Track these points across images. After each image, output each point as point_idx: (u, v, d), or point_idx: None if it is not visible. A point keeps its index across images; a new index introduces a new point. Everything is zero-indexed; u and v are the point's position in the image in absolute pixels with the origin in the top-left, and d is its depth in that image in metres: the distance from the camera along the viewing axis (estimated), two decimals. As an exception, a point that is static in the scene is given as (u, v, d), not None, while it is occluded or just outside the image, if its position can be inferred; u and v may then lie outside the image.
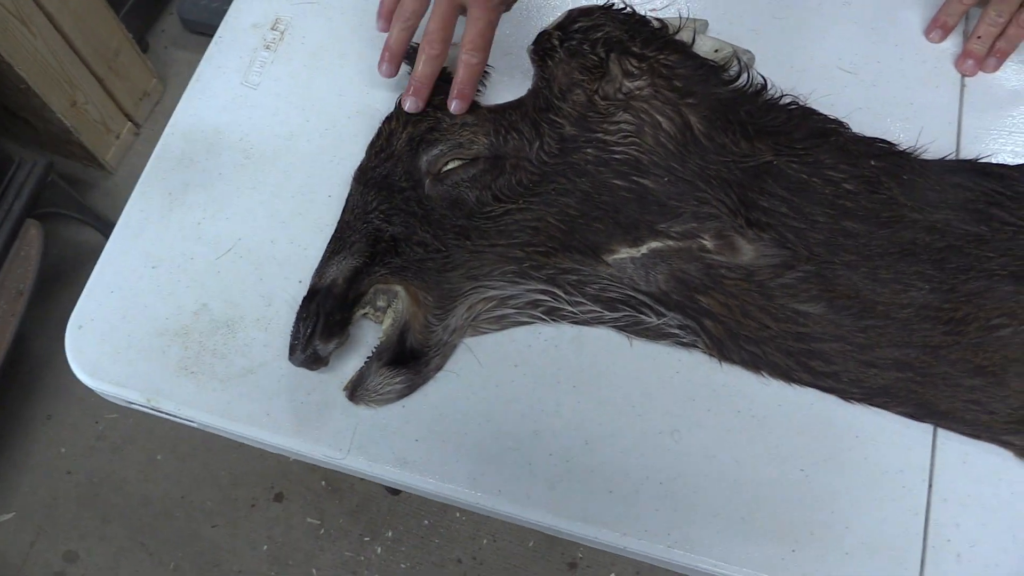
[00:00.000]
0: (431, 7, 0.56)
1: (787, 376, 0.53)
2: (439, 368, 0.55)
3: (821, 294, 0.54)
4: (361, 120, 0.62)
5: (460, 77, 0.57)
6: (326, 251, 0.57)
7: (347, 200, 0.58)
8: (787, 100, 0.60)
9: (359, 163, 0.60)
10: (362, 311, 0.55)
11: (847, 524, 0.50)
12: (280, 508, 1.24)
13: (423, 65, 0.56)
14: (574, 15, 0.59)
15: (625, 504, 0.51)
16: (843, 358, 0.53)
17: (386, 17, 0.60)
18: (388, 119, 0.61)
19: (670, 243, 0.56)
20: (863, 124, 0.59)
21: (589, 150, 0.57)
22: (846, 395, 0.53)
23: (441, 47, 0.56)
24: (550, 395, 0.53)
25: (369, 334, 0.56)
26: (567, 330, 0.55)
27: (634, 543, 0.50)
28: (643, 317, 0.54)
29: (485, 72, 0.62)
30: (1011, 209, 0.57)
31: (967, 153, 0.58)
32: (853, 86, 0.61)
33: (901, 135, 0.58)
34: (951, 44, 0.63)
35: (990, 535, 0.50)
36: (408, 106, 0.58)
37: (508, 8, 0.59)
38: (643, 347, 0.54)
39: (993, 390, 0.52)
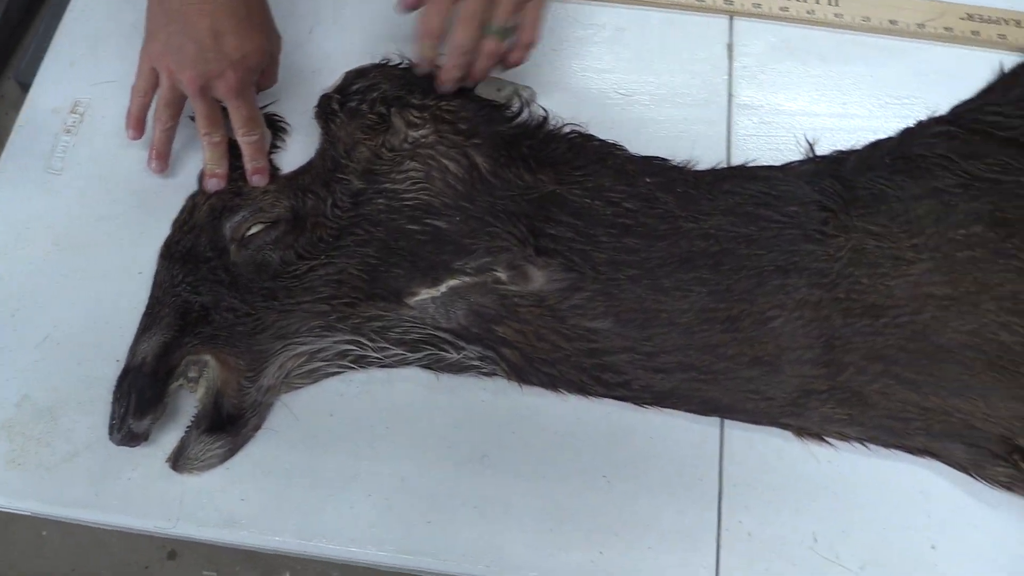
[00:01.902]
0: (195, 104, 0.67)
1: (583, 391, 0.64)
2: (257, 428, 0.64)
3: (608, 310, 0.65)
4: (169, 194, 0.72)
5: (247, 155, 0.67)
6: (138, 329, 0.66)
7: (155, 276, 0.68)
8: (567, 130, 0.71)
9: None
10: (177, 383, 0.64)
11: (648, 522, 0.61)
12: (174, 566, 1.32)
13: (208, 152, 0.66)
14: (351, 77, 0.70)
15: (443, 532, 0.61)
16: (632, 367, 0.64)
17: (135, 126, 0.71)
18: (192, 195, 0.71)
19: (467, 279, 0.66)
20: (640, 144, 0.70)
21: (380, 200, 0.68)
22: (638, 401, 0.64)
23: (217, 134, 0.66)
24: (365, 439, 0.63)
25: (190, 404, 0.65)
26: (377, 374, 0.65)
27: (454, 567, 0.60)
28: (444, 354, 0.65)
29: (283, 129, 0.72)
30: (776, 207, 0.69)
31: (736, 160, 0.70)
32: (630, 109, 0.73)
33: (676, 151, 0.70)
34: (720, 67, 0.75)
35: (777, 511, 0.61)
36: (210, 186, 0.68)
37: (267, 79, 0.70)
38: (449, 380, 0.65)
39: (769, 378, 0.64)
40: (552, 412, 0.65)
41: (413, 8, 0.66)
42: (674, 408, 0.65)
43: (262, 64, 0.68)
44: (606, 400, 0.65)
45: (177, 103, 0.68)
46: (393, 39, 0.72)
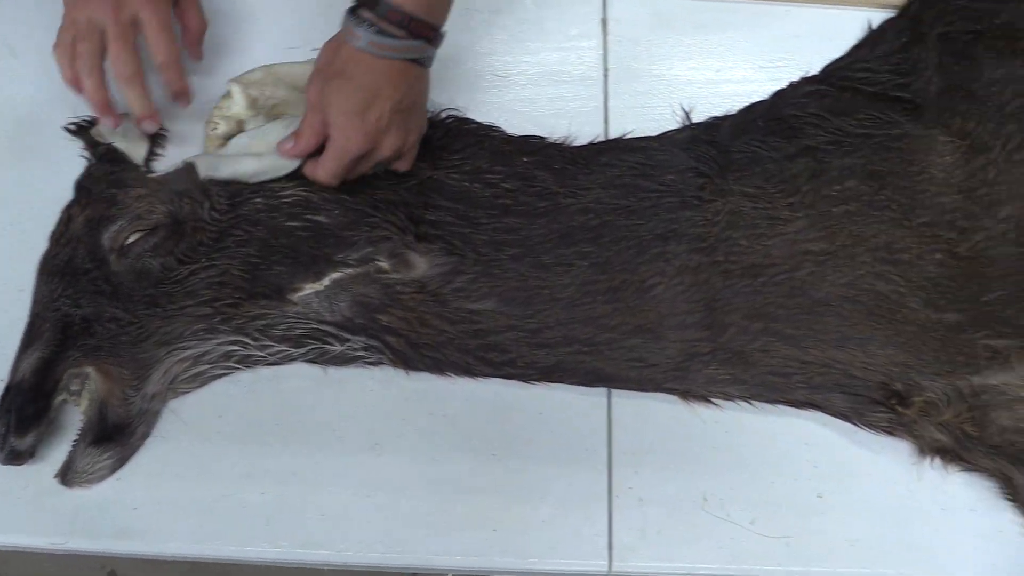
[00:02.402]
0: (109, 41, 0.66)
1: (469, 372, 0.66)
2: (146, 436, 0.65)
3: (491, 290, 0.67)
4: (43, 208, 0.72)
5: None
6: (19, 346, 0.66)
7: (34, 292, 0.68)
8: (444, 115, 0.73)
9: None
10: (60, 398, 0.65)
11: (541, 495, 0.63)
12: (115, 585, 1.32)
13: (130, 96, 0.68)
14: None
15: (337, 523, 0.63)
16: (517, 345, 0.66)
17: (72, 81, 0.70)
18: (68, 206, 0.71)
19: (349, 271, 0.68)
20: (518, 124, 0.72)
21: (258, 199, 0.69)
22: (525, 378, 0.66)
23: (134, 67, 0.67)
24: (255, 437, 0.65)
25: (77, 417, 0.66)
26: (263, 372, 0.67)
27: (351, 557, 0.62)
28: (328, 347, 0.66)
29: (163, 136, 0.73)
30: (653, 176, 0.71)
31: (614, 134, 0.73)
32: (507, 90, 0.74)
33: (554, 129, 0.72)
34: (595, 43, 0.77)
35: (666, 474, 0.64)
36: (148, 128, 0.71)
37: (190, 18, 0.72)
38: (336, 373, 0.66)
39: (653, 345, 0.67)
40: (440, 395, 0.66)
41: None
42: (560, 382, 0.67)
43: None
44: (493, 379, 0.67)
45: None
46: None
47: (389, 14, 0.61)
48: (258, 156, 0.69)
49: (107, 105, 0.69)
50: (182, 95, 0.71)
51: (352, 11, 0.62)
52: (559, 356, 0.67)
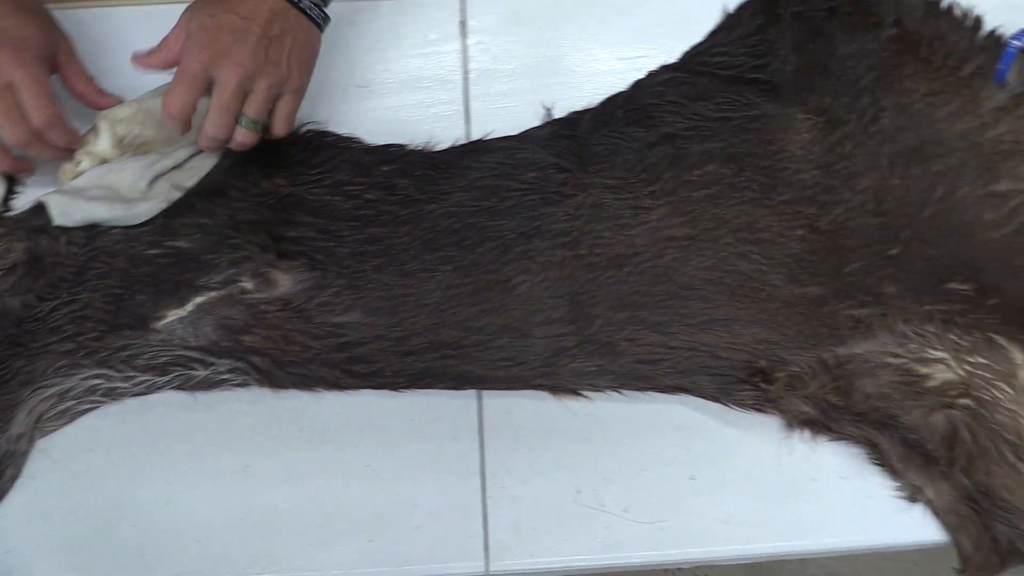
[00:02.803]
0: None
1: (338, 386, 0.66)
2: (15, 478, 0.65)
3: (355, 302, 0.67)
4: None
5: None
6: None
7: None
8: (304, 130, 0.73)
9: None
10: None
11: (415, 502, 0.64)
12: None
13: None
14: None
15: (212, 549, 0.63)
16: (384, 355, 0.66)
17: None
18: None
19: (213, 294, 0.68)
20: (380, 134, 0.72)
21: (115, 230, 0.69)
22: (394, 386, 0.66)
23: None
24: (123, 470, 0.65)
25: (-56, 465, 0.65)
26: (131, 403, 0.66)
27: (228, 581, 0.61)
28: (193, 372, 0.66)
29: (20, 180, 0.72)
30: (515, 175, 0.72)
31: (476, 136, 0.73)
32: (368, 100, 0.74)
33: (416, 135, 0.72)
34: (454, 46, 0.77)
35: (539, 470, 0.64)
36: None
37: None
38: (205, 398, 0.66)
39: (520, 344, 0.67)
40: (310, 412, 0.66)
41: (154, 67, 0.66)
42: (429, 388, 0.67)
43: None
44: (362, 391, 0.67)
45: None
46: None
47: None
48: (111, 203, 0.68)
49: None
50: (65, 154, 0.70)
51: None
52: (427, 362, 0.68)
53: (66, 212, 0.67)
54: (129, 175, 0.69)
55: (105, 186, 0.68)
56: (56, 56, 0.67)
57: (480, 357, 0.68)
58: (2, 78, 0.63)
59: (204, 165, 0.70)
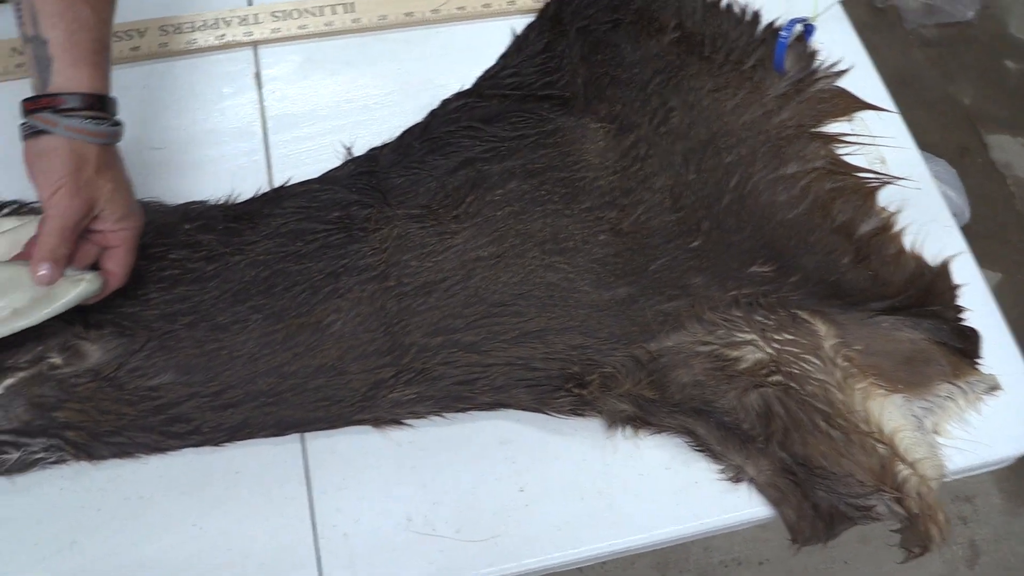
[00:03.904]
0: None
1: (158, 448, 0.64)
2: None
3: (167, 363, 0.65)
4: None
5: None
6: None
7: None
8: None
9: None
10: None
11: (246, 554, 0.62)
12: None
13: None
14: None
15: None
16: (200, 411, 0.65)
17: None
18: None
19: (22, 374, 0.65)
20: (182, 193, 0.71)
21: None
22: (215, 442, 0.65)
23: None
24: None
25: None
26: (-55, 498, 0.62)
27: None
28: (4, 456, 0.63)
29: None
30: (319, 217, 0.71)
31: (280, 183, 0.71)
32: (167, 160, 0.73)
33: (218, 190, 0.70)
34: (250, 96, 0.76)
35: (368, 504, 0.64)
36: None
37: None
38: (24, 480, 0.63)
39: (337, 381, 0.66)
40: (133, 478, 0.64)
41: None
42: (251, 438, 0.65)
43: None
44: (184, 451, 0.64)
45: None
46: None
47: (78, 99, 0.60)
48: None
49: None
50: None
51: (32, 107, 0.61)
52: (245, 413, 0.66)
53: None
54: None
55: None
56: None
57: (297, 401, 0.66)
58: None
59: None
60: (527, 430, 0.67)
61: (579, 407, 0.68)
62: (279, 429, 0.67)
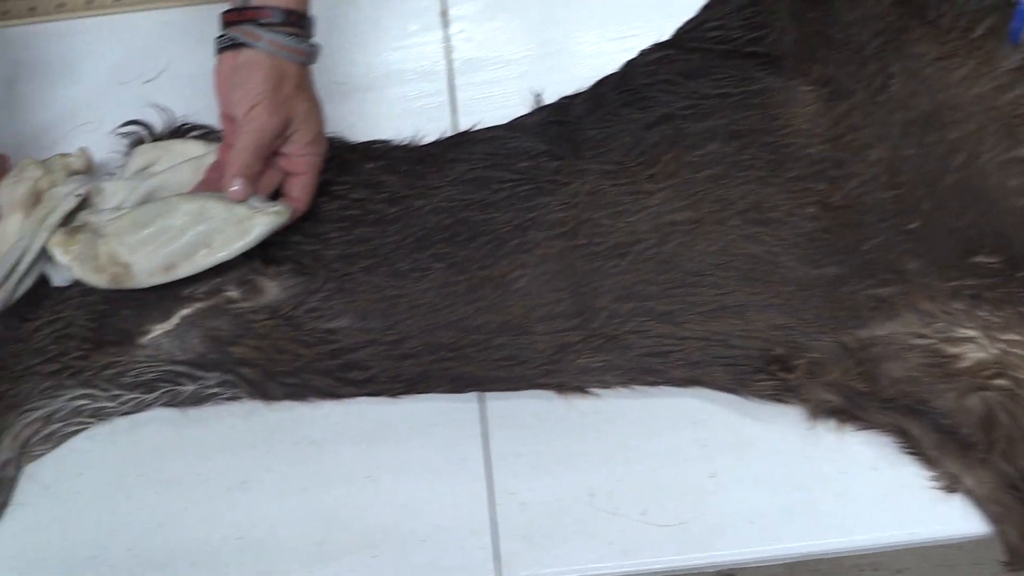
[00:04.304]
0: None
1: (332, 394, 0.60)
2: (4, 506, 0.59)
3: (346, 307, 0.61)
4: None
5: None
6: None
7: None
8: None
9: None
10: (-93, 477, 0.58)
11: (420, 513, 0.57)
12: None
13: None
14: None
15: (210, 570, 0.56)
16: (378, 359, 0.60)
17: None
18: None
19: (198, 305, 0.61)
20: (363, 131, 0.66)
21: (96, 244, 0.62)
22: (391, 393, 0.60)
23: None
24: (119, 493, 0.59)
25: (-69, 496, 0.59)
26: (120, 423, 0.60)
27: (225, 605, 0.55)
28: (181, 388, 0.60)
29: None
30: (506, 166, 0.65)
31: (464, 128, 0.66)
32: (348, 97, 0.68)
33: (400, 130, 0.66)
34: (436, 36, 0.70)
35: (548, 473, 0.58)
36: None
37: None
38: (197, 413, 0.59)
39: (520, 341, 0.60)
40: (306, 423, 0.60)
41: None
42: (428, 392, 0.60)
43: None
44: (358, 399, 0.60)
45: None
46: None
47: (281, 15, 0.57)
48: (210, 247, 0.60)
49: None
50: None
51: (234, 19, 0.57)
52: (424, 365, 0.61)
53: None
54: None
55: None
56: None
57: (479, 358, 0.61)
58: None
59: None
60: (721, 411, 0.60)
61: (781, 393, 0.60)
62: (458, 386, 0.61)
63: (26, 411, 0.61)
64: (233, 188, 0.58)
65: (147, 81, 0.70)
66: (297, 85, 0.58)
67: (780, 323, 0.62)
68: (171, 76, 0.70)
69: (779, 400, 0.60)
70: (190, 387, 0.61)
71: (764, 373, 0.60)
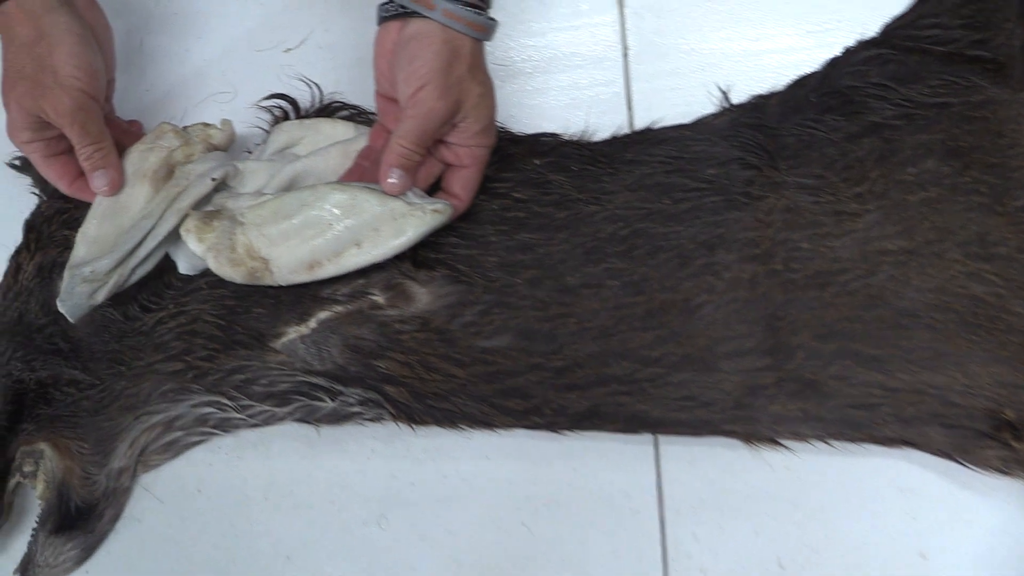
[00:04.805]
0: None
1: (486, 423, 0.51)
2: (116, 518, 0.51)
3: (506, 323, 0.51)
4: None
5: None
6: (-35, 420, 0.52)
7: (-20, 355, 0.54)
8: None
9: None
10: (14, 480, 0.50)
11: (580, 566, 0.48)
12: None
13: None
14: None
15: (341, 614, 0.47)
16: (541, 387, 0.50)
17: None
18: (16, 252, 0.57)
19: (339, 308, 0.52)
20: (526, 121, 0.56)
21: (228, 231, 0.53)
22: (554, 427, 0.50)
23: None
24: (241, 516, 0.50)
25: (35, 502, 0.52)
26: (248, 436, 0.52)
27: (358, 654, 0.47)
28: (318, 403, 0.51)
29: None
30: (691, 172, 0.55)
31: (640, 124, 0.56)
32: (511, 81, 0.58)
33: (568, 122, 0.55)
34: (611, 17, 0.60)
35: (731, 536, 0.48)
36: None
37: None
38: (332, 432, 0.51)
39: (704, 379, 0.50)
40: (455, 454, 0.51)
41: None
42: (597, 430, 0.51)
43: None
44: (517, 431, 0.51)
45: None
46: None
47: None
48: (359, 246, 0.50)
49: None
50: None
51: None
52: (593, 399, 0.51)
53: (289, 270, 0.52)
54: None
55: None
56: None
57: (657, 394, 0.51)
58: None
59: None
60: (936, 480, 0.50)
61: (1008, 465, 0.50)
62: (631, 425, 0.52)
63: (145, 414, 0.53)
64: (390, 180, 0.49)
65: (287, 50, 0.60)
66: (471, 65, 0.48)
67: (1010, 380, 0.51)
68: (314, 46, 0.60)
69: (1005, 472, 0.50)
70: (328, 404, 0.52)
71: (990, 439, 0.50)
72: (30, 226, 0.58)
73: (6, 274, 0.57)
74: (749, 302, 0.53)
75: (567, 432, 0.51)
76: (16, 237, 0.58)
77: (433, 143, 0.50)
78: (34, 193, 0.59)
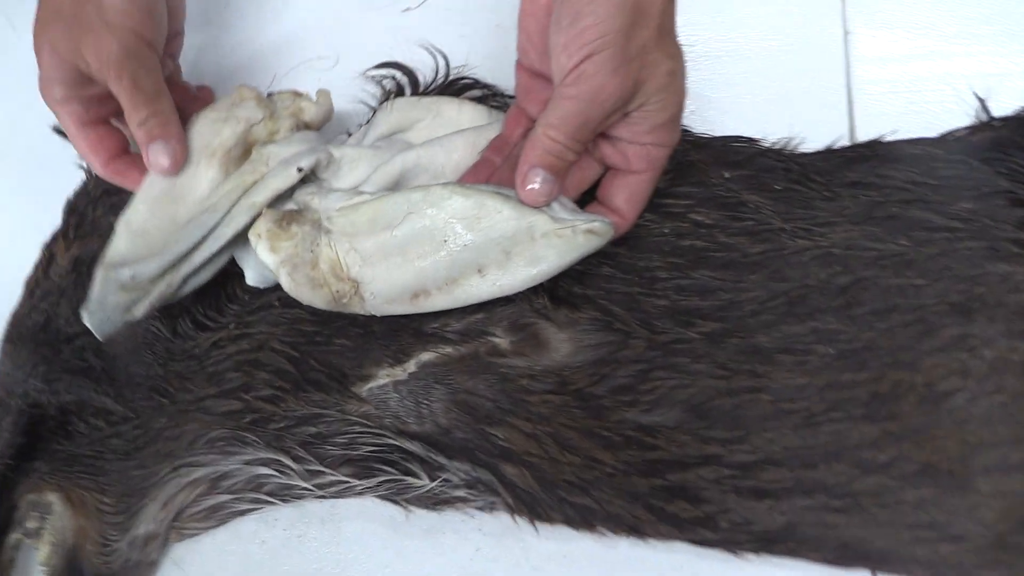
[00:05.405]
0: None
1: (637, 530, 0.35)
2: (137, 600, 0.37)
3: (674, 392, 0.36)
4: (24, 244, 0.44)
5: None
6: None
7: (-3, 367, 0.41)
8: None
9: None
10: (15, 536, 0.37)
11: None
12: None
13: None
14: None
15: None
16: (720, 490, 0.35)
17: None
18: (51, 240, 0.43)
19: (448, 350, 0.37)
20: (713, 119, 0.40)
21: (311, 235, 0.39)
22: (732, 546, 0.35)
23: None
24: (297, 616, 0.35)
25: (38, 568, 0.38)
26: (314, 508, 0.37)
27: None
28: (410, 478, 0.35)
29: None
30: (938, 205, 0.38)
31: (864, 133, 0.39)
32: (697, 67, 0.42)
33: (769, 125, 0.39)
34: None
35: None
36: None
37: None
38: (425, 518, 0.36)
39: (953, 501, 0.34)
40: (588, 566, 0.35)
41: None
42: (792, 556, 0.35)
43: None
44: (677, 544, 0.34)
45: None
46: None
47: None
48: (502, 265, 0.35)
49: None
50: None
51: None
52: (790, 513, 0.35)
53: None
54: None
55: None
56: None
57: (883, 517, 0.35)
58: None
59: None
60: None
61: None
62: (843, 556, 0.35)
63: (185, 466, 0.39)
64: (531, 185, 0.33)
65: (406, 9, 0.45)
66: (660, 29, 0.33)
67: None
68: (440, 5, 0.46)
69: None
70: (423, 482, 0.37)
71: None
72: (72, 208, 0.45)
73: (36, 266, 0.44)
74: (1018, 396, 0.36)
75: (750, 555, 0.35)
76: (55, 220, 0.44)
77: (594, 137, 0.35)
78: (80, 167, 0.45)
